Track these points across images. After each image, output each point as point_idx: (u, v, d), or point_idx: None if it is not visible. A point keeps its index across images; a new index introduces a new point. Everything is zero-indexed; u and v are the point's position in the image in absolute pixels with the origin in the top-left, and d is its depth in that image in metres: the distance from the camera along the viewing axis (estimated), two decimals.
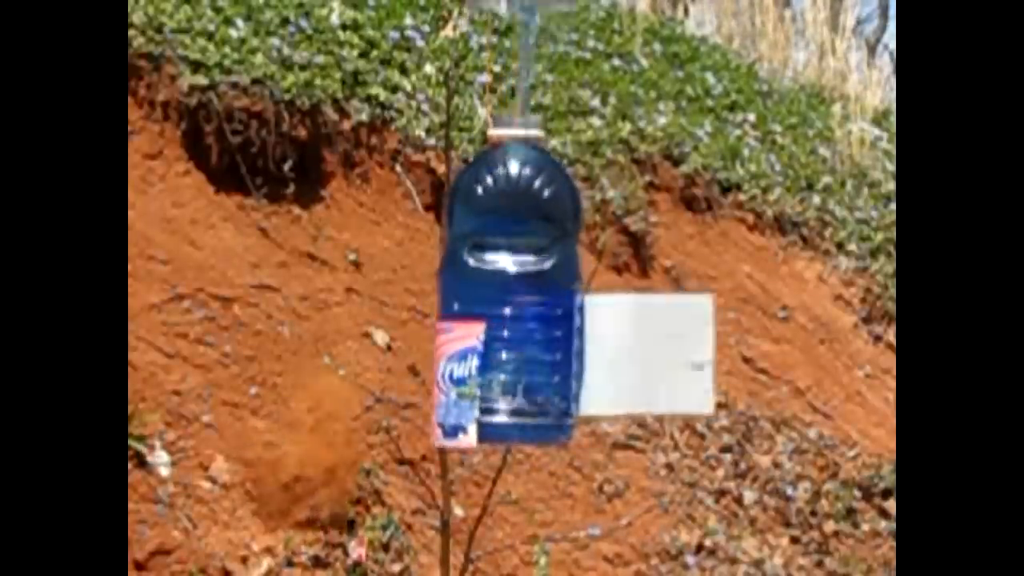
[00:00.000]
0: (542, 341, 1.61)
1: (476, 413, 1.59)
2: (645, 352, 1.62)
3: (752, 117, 6.27)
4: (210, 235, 4.10)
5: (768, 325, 5.31)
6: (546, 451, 4.13)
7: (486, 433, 1.60)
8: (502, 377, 1.60)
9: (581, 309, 1.62)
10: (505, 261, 1.61)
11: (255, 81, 4.33)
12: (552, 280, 1.62)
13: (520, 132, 1.64)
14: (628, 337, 1.62)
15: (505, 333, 1.60)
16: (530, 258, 1.60)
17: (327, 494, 3.56)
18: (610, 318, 1.63)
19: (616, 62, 6.03)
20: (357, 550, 3.56)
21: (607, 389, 1.62)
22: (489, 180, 1.63)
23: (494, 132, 1.65)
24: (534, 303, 1.60)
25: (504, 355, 1.60)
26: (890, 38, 9.15)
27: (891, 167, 6.54)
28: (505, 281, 1.61)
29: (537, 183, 1.62)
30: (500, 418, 1.60)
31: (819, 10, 7.82)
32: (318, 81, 4.49)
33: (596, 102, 5.55)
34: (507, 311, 1.60)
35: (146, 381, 3.60)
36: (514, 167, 1.62)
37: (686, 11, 7.74)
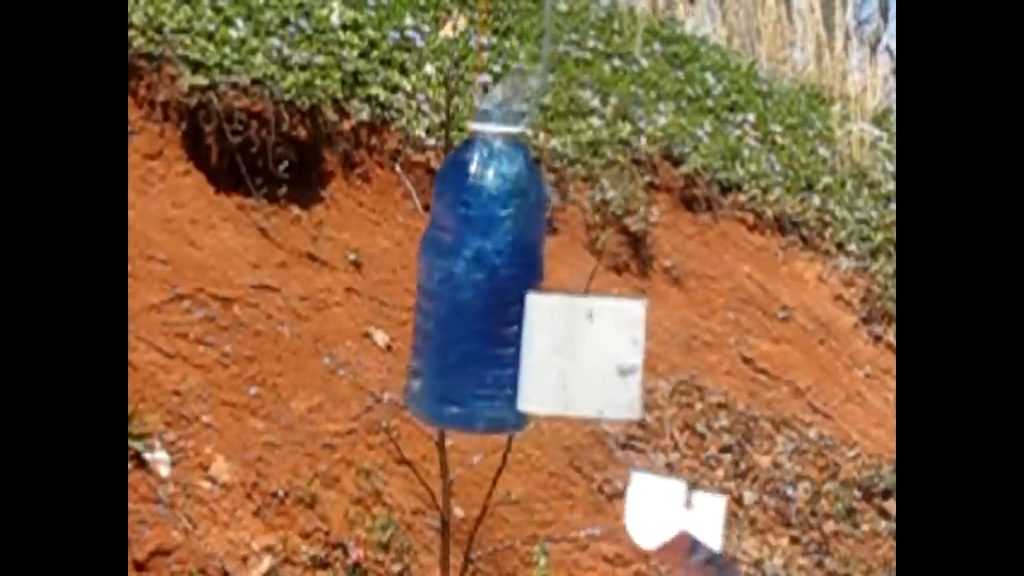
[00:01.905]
0: (436, 320, 1.68)
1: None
2: (573, 354, 1.65)
3: (752, 117, 6.26)
4: (210, 235, 4.10)
5: (768, 325, 5.31)
6: (546, 451, 4.13)
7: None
8: (413, 353, 1.72)
9: (513, 301, 1.66)
10: (441, 242, 1.66)
11: (255, 81, 4.33)
12: (460, 263, 1.66)
13: (492, 128, 1.67)
14: (559, 338, 1.66)
15: (424, 310, 1.68)
16: (449, 242, 1.67)
17: None
18: (544, 318, 1.66)
19: (616, 62, 6.03)
20: (357, 550, 3.56)
21: (537, 388, 1.65)
22: (444, 168, 1.70)
23: (471, 125, 1.69)
24: (444, 283, 1.67)
25: (419, 333, 1.70)
26: (890, 38, 9.14)
27: (891, 167, 6.54)
28: (432, 261, 1.68)
29: (479, 171, 1.66)
30: (414, 388, 1.69)
31: (818, 10, 7.82)
32: (318, 81, 4.49)
33: (596, 102, 5.55)
34: (430, 289, 1.69)
35: (146, 381, 3.60)
36: (466, 158, 1.67)
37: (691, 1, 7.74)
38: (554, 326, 1.64)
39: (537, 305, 1.64)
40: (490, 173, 1.65)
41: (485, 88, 4.98)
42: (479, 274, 1.65)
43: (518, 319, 1.64)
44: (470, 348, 1.66)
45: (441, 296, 1.68)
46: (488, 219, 1.65)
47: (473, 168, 1.66)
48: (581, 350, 1.64)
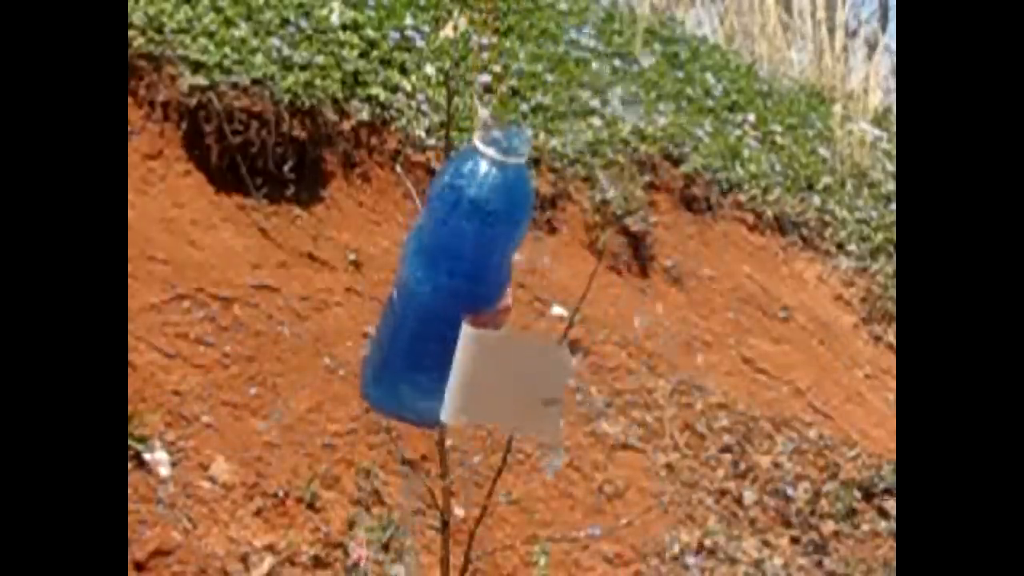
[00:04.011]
0: (384, 319, 1.75)
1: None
2: (499, 383, 1.72)
3: (752, 117, 6.27)
4: (210, 235, 4.10)
5: (768, 325, 5.31)
6: (546, 452, 4.13)
7: None
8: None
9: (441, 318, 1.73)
10: (411, 239, 1.76)
11: (255, 81, 4.33)
12: (411, 265, 1.73)
13: (495, 154, 1.69)
14: (495, 366, 1.72)
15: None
16: (413, 242, 1.74)
17: None
18: (482, 347, 1.72)
19: (616, 62, 6.03)
20: (357, 550, 3.56)
21: (460, 405, 1.71)
22: (439, 171, 1.76)
23: (476, 143, 1.72)
24: (398, 276, 1.74)
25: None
26: (890, 38, 9.14)
27: (891, 167, 6.54)
28: (402, 252, 1.77)
29: (450, 187, 1.70)
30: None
31: (819, 10, 7.82)
32: (318, 81, 4.49)
33: (596, 102, 5.55)
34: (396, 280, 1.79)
35: (146, 381, 3.60)
36: (457, 168, 1.72)
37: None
38: (484, 357, 1.71)
39: (468, 337, 1.71)
40: (473, 190, 1.67)
41: (483, 88, 4.98)
42: (423, 277, 1.71)
43: (446, 336, 1.70)
44: (400, 346, 1.74)
45: (395, 286, 1.76)
46: (451, 233, 1.69)
47: (455, 180, 1.68)
48: (506, 381, 1.71)
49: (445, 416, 1.70)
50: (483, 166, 1.67)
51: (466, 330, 1.67)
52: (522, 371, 1.70)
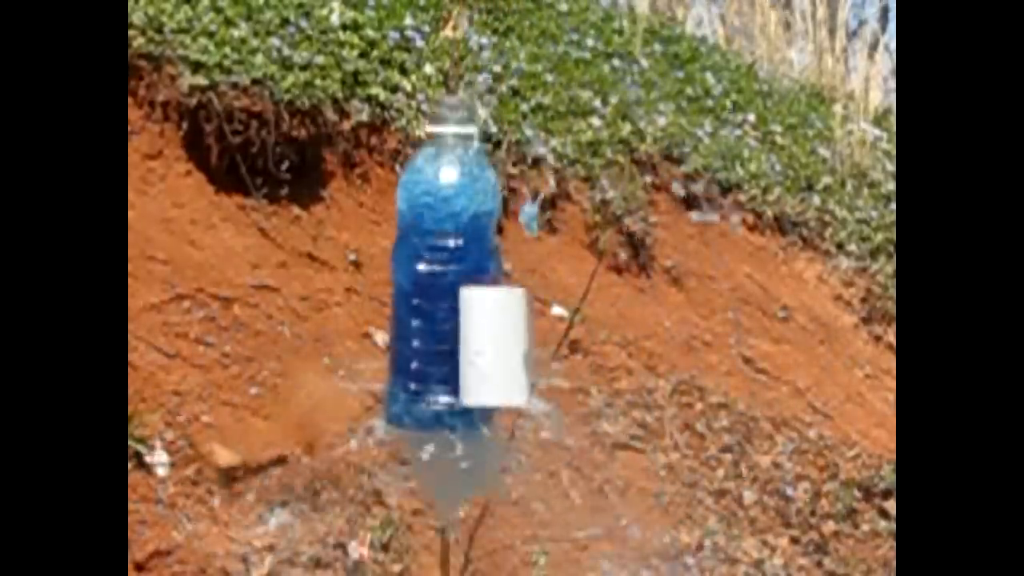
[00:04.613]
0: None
1: None
2: (503, 344, 1.72)
3: (752, 117, 6.26)
4: (210, 235, 4.10)
5: (768, 325, 5.31)
6: (546, 451, 4.13)
7: None
8: None
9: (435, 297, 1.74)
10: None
11: (255, 81, 4.33)
12: (396, 259, 1.75)
13: (439, 128, 1.71)
14: (493, 330, 1.72)
15: None
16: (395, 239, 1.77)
17: None
18: (477, 312, 1.72)
19: (616, 62, 6.03)
20: (357, 550, 3.56)
21: (475, 380, 1.70)
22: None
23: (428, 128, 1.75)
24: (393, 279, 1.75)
25: None
26: (890, 38, 9.14)
27: (891, 167, 6.54)
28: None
29: (416, 177, 1.72)
30: None
31: (819, 10, 7.82)
32: (318, 81, 4.49)
33: (596, 102, 5.55)
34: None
35: (146, 381, 3.60)
36: (412, 158, 1.75)
37: None
38: (490, 319, 1.70)
39: (471, 299, 1.70)
40: (427, 173, 1.69)
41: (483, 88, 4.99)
42: (407, 267, 1.72)
43: (445, 317, 1.69)
44: (400, 346, 1.75)
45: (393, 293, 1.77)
46: (418, 215, 1.70)
47: (414, 167, 1.70)
48: (502, 341, 1.71)
49: (465, 398, 1.70)
50: (432, 147, 1.70)
51: (464, 293, 1.67)
52: (508, 327, 1.70)
